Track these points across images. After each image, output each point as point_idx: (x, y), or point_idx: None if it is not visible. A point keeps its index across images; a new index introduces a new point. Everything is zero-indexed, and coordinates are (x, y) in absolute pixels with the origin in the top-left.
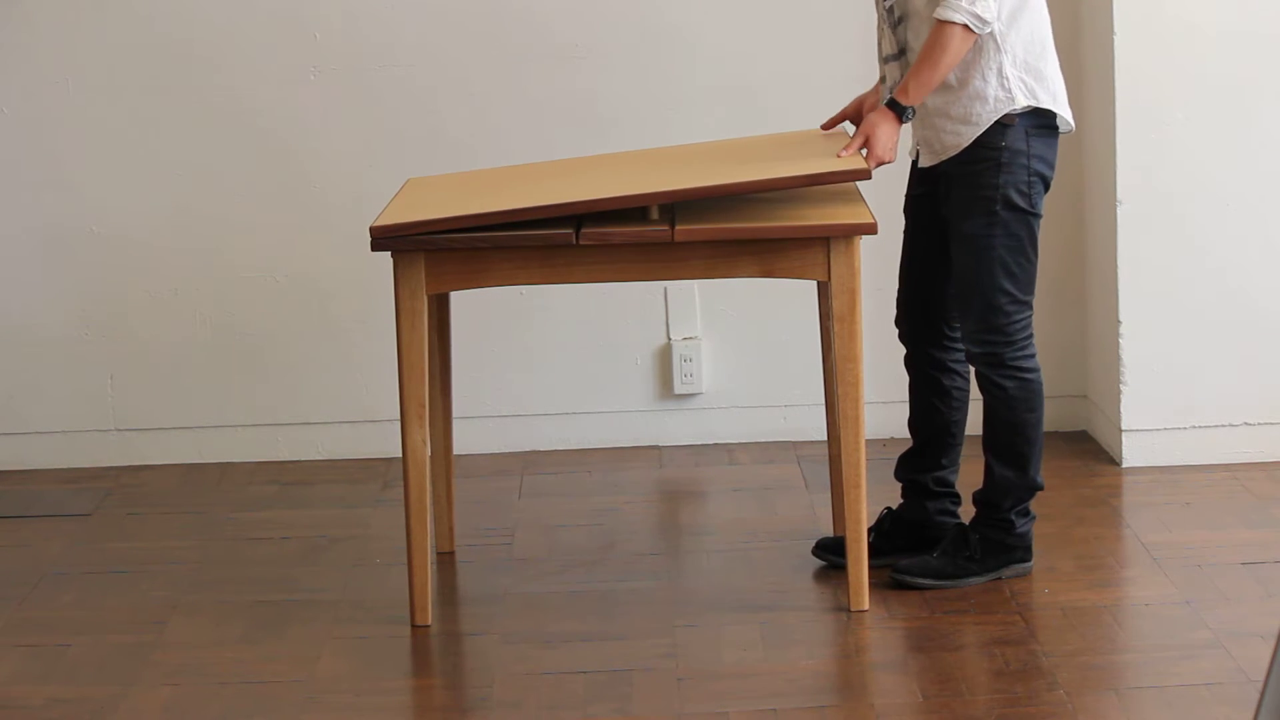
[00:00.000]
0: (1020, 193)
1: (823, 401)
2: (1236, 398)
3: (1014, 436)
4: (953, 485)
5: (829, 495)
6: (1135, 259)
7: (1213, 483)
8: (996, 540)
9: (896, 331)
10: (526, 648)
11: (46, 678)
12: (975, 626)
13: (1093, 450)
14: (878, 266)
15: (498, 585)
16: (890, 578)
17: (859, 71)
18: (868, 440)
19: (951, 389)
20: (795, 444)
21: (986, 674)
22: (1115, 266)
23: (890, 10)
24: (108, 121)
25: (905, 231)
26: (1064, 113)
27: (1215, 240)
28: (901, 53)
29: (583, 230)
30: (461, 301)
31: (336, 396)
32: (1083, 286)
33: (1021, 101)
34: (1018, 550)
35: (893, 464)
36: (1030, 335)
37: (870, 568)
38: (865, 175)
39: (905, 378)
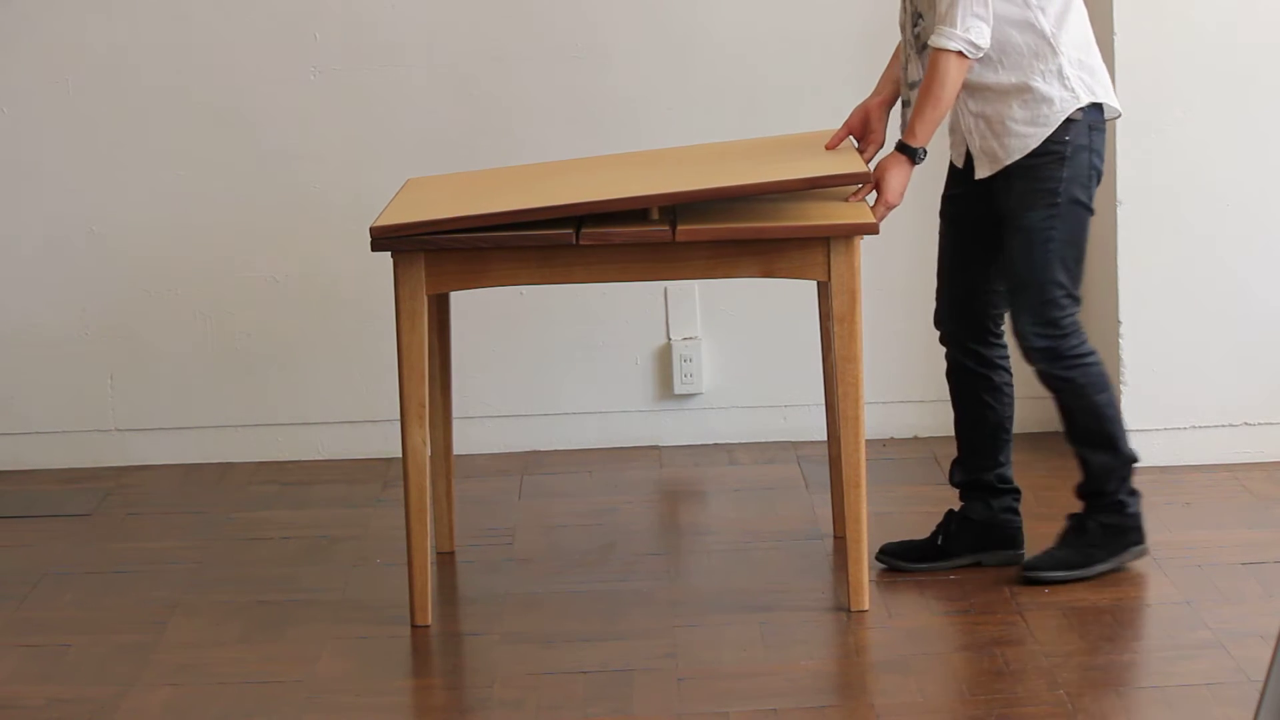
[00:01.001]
0: (1081, 186)
1: (823, 401)
2: (1236, 398)
3: (1096, 419)
4: (1013, 481)
5: (829, 495)
6: (1135, 259)
7: (1213, 483)
8: (1115, 525)
9: (937, 334)
10: (526, 648)
11: (46, 678)
12: (975, 626)
13: None
14: (878, 266)
15: (498, 585)
16: (1021, 576)
17: (860, 71)
18: (868, 440)
19: (1002, 385)
20: (795, 444)
21: (986, 674)
22: (1115, 266)
23: (917, 37)
24: (108, 121)
25: (941, 233)
26: (1114, 102)
27: (1215, 240)
28: None
29: (583, 230)
30: (461, 301)
31: (336, 396)
32: (1083, 286)
33: (1084, 99)
34: (1133, 533)
35: (893, 464)
36: (1081, 329)
37: (939, 570)
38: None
39: (905, 378)
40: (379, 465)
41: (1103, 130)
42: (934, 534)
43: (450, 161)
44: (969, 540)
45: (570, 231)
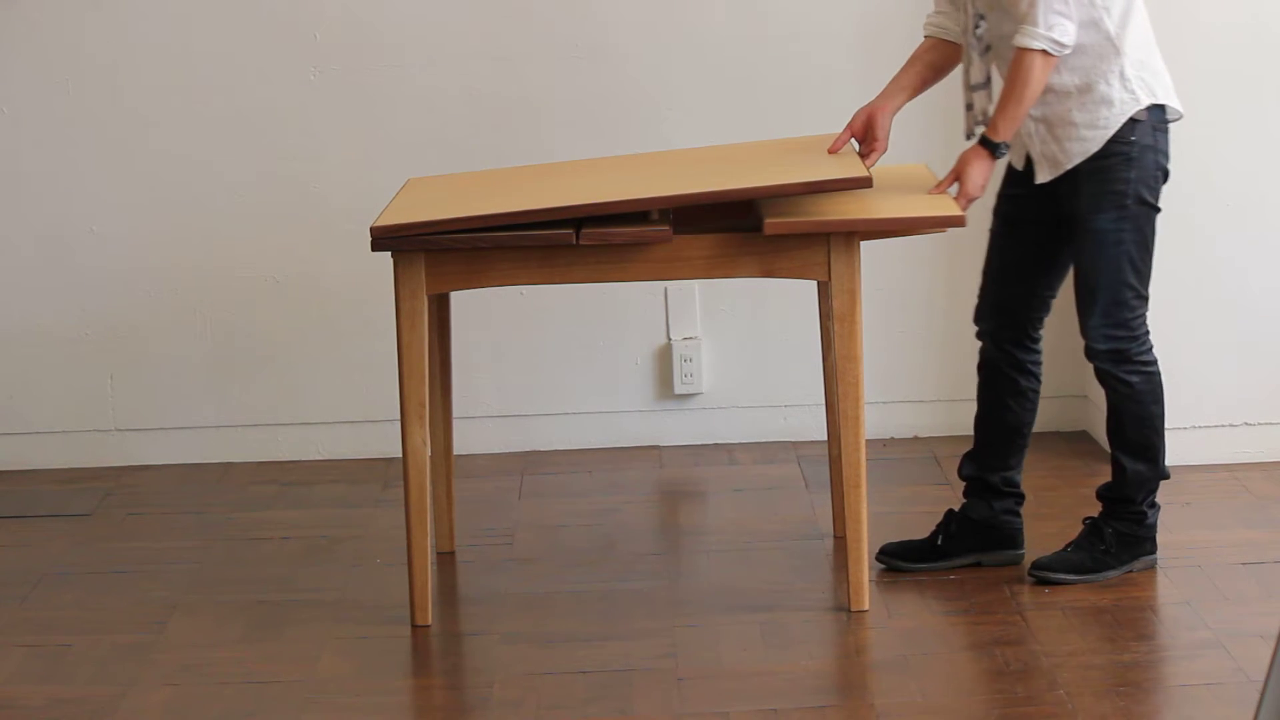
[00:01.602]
0: (1149, 188)
1: (823, 401)
2: (1236, 398)
3: (1144, 429)
4: (1019, 485)
5: (829, 495)
6: None
7: (1213, 483)
8: (1129, 534)
9: (975, 329)
10: (526, 648)
11: (46, 678)
12: (975, 626)
13: (1093, 450)
14: (878, 266)
15: (498, 585)
16: (1030, 575)
17: (860, 71)
18: (868, 440)
19: (1027, 390)
20: (795, 444)
21: (986, 674)
22: None
23: (979, 39)
24: (108, 121)
25: (994, 231)
26: (1175, 103)
27: (1216, 240)
28: (988, 81)
29: (583, 230)
30: (461, 301)
31: (336, 396)
32: None
33: (1145, 101)
34: (1147, 542)
35: (893, 464)
36: (1149, 331)
37: (939, 570)
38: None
39: (905, 378)
40: (379, 465)
41: (1167, 130)
42: (933, 534)
43: (450, 161)
44: (969, 540)
45: (570, 231)
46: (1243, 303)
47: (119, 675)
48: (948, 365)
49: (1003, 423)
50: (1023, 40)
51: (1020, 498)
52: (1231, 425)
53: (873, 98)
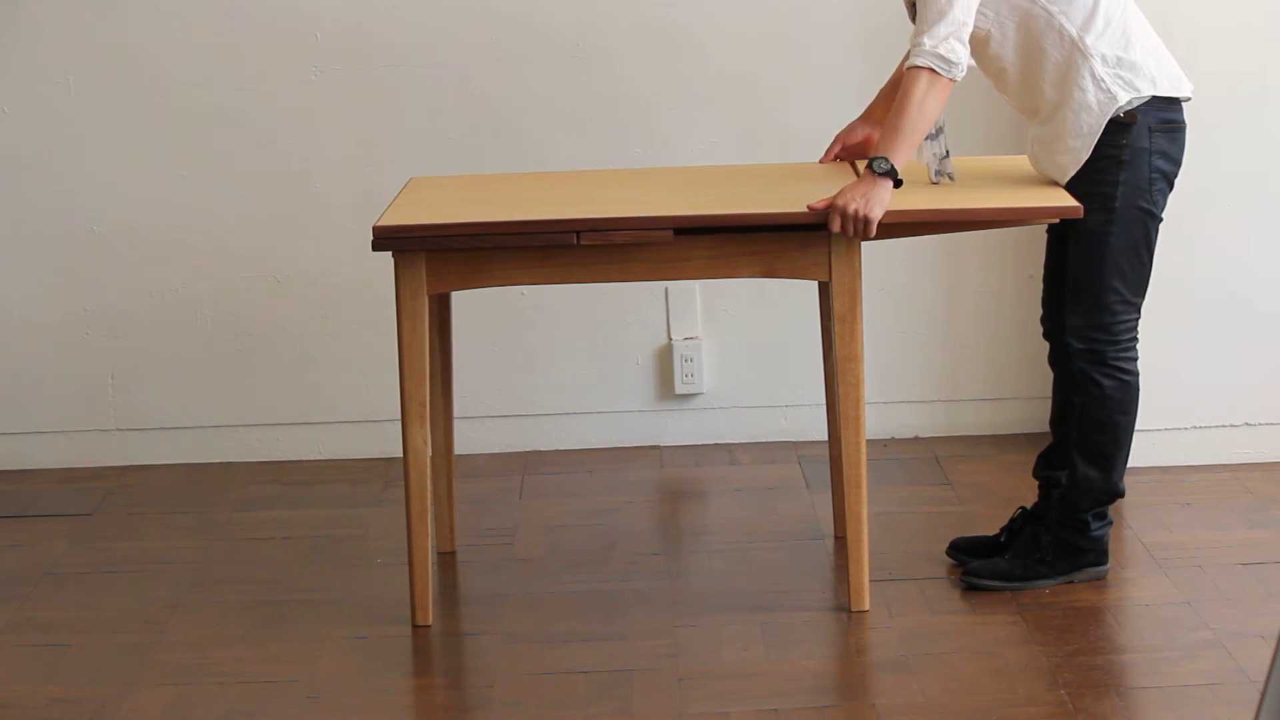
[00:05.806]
0: (1141, 191)
1: (823, 401)
2: (1236, 398)
3: (1103, 436)
4: None
5: (829, 495)
6: None
7: (1213, 483)
8: (1069, 543)
9: (1041, 329)
10: (527, 648)
11: (46, 678)
12: (975, 626)
13: None
14: (878, 266)
15: (498, 585)
16: (960, 579)
17: (860, 73)
18: (868, 440)
19: None
20: (796, 444)
21: (986, 674)
22: None
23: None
24: (108, 121)
25: (1050, 229)
26: (1169, 90)
27: (1215, 241)
28: (939, 132)
29: (583, 230)
30: (462, 301)
31: (337, 396)
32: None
33: (1123, 97)
34: (1090, 554)
35: (894, 464)
36: (1134, 338)
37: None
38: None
39: (905, 378)
40: (380, 465)
41: (1169, 134)
42: (1002, 530)
43: (451, 161)
44: None
45: (571, 232)
46: (1243, 303)
47: (119, 675)
48: (948, 365)
49: (1068, 421)
50: (909, 61)
51: None
52: (1232, 425)
53: (872, 97)
